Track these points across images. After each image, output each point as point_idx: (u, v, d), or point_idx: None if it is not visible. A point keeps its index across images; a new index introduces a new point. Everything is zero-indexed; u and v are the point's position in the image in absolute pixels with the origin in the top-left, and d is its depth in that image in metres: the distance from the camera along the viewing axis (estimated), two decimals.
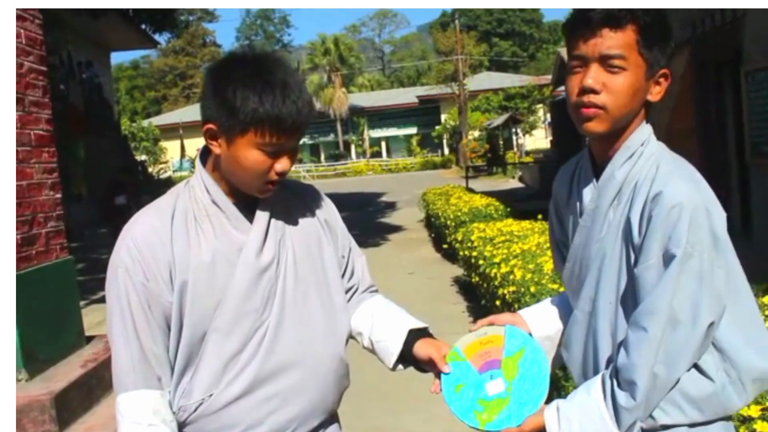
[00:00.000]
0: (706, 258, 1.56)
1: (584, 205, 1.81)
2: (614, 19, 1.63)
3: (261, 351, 1.78)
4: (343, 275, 2.03)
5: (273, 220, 1.85)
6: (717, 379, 1.63)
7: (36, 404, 4.22)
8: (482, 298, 6.76)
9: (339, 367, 1.93)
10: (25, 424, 4.20)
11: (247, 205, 1.83)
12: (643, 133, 1.73)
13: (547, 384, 1.82)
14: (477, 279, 7.03)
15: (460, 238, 8.75)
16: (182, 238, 1.76)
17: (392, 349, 1.97)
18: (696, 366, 1.62)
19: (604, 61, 1.64)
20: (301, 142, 1.87)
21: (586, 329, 1.79)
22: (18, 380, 4.44)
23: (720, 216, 1.61)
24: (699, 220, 1.56)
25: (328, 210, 2.05)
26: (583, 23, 1.67)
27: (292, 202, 1.95)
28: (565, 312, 2.00)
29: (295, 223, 1.92)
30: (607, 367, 1.71)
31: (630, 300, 1.67)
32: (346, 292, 2.05)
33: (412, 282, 10.01)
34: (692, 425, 1.66)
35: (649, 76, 1.68)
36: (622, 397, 1.61)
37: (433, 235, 13.92)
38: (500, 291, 5.54)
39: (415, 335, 1.97)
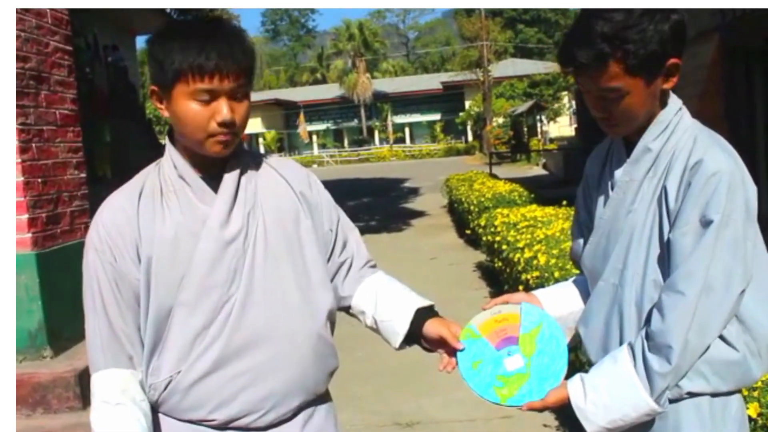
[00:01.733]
0: (741, 227, 1.61)
1: (616, 179, 1.82)
2: (592, 67, 1.65)
3: (228, 326, 1.74)
4: (333, 249, 1.98)
5: (243, 192, 1.81)
6: (741, 349, 1.66)
7: (61, 381, 4.27)
8: (505, 283, 6.72)
9: (318, 344, 1.85)
10: (50, 400, 4.25)
11: (216, 179, 1.80)
12: (674, 106, 1.76)
13: (566, 359, 1.82)
14: (500, 264, 6.99)
15: (483, 224, 8.71)
16: (148, 214, 1.76)
17: (398, 328, 1.94)
18: (720, 336, 1.65)
19: (602, 93, 1.69)
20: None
21: (611, 300, 1.79)
22: (43, 357, 4.49)
23: (753, 189, 1.66)
24: (736, 189, 1.60)
25: (308, 183, 1.97)
26: (566, 67, 1.72)
27: (266, 175, 1.90)
28: (583, 292, 2.00)
29: (268, 195, 1.86)
30: (632, 338, 1.71)
31: (659, 270, 1.69)
32: (340, 266, 2.00)
33: (434, 267, 9.98)
34: (714, 395, 1.68)
35: (652, 80, 1.68)
36: (655, 361, 1.62)
37: (455, 220, 13.88)
38: (524, 276, 5.51)
39: (421, 314, 1.94)
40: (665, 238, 1.67)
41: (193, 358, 1.74)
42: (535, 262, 5.40)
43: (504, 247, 6.74)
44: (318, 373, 1.87)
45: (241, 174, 1.82)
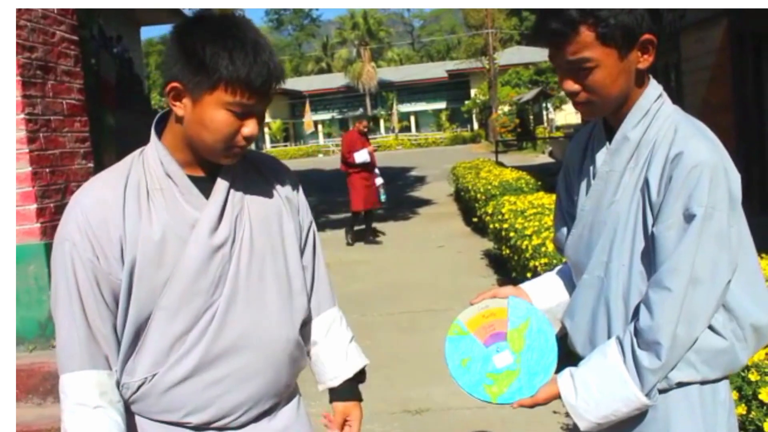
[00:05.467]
0: (725, 218, 1.59)
1: (597, 169, 1.79)
2: (561, 34, 1.63)
3: (209, 332, 1.71)
4: (303, 251, 1.95)
5: (231, 197, 1.76)
6: (728, 337, 1.65)
7: None
8: (513, 270, 6.71)
9: (293, 350, 1.85)
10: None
11: (204, 180, 1.75)
12: (653, 91, 1.72)
13: (556, 353, 1.81)
14: (507, 252, 6.98)
15: (490, 211, 8.70)
16: (134, 212, 1.68)
17: (325, 379, 2.02)
18: (708, 325, 1.64)
19: (572, 65, 1.66)
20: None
21: (597, 293, 1.77)
22: (53, 347, 4.50)
23: (736, 176, 1.63)
24: (718, 180, 1.58)
25: (290, 183, 1.94)
26: (540, 39, 1.69)
27: (252, 176, 1.84)
28: (569, 281, 1.99)
29: (254, 198, 1.81)
30: (620, 331, 1.70)
31: (645, 262, 1.67)
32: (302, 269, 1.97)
33: (442, 255, 9.98)
34: (703, 383, 1.68)
35: (626, 54, 1.64)
36: (645, 358, 1.62)
37: (462, 208, 13.87)
38: (532, 263, 5.50)
39: (345, 386, 2.02)
40: (649, 230, 1.65)
41: (170, 363, 1.71)
42: (543, 249, 5.40)
43: (512, 234, 6.73)
44: (290, 376, 1.89)
45: (232, 178, 1.77)
